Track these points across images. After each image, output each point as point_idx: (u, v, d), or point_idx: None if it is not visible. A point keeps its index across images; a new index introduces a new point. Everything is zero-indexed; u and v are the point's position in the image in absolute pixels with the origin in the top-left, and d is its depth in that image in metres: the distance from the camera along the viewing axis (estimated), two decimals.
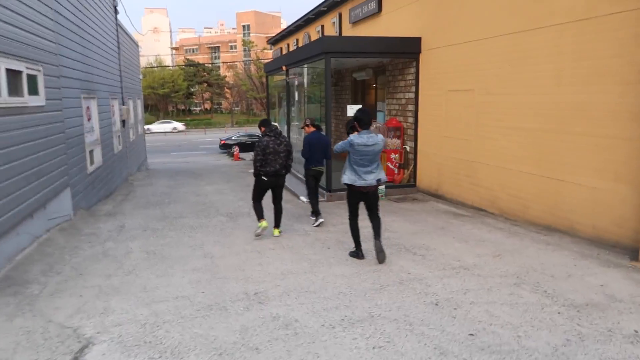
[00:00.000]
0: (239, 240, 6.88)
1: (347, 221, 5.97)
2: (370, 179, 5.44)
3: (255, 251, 6.26)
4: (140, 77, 21.93)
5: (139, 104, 20.40)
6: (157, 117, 64.23)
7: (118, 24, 14.93)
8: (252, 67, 60.81)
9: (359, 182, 5.43)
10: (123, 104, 15.04)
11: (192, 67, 65.36)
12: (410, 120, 10.65)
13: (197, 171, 18.02)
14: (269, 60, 17.53)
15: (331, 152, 7.41)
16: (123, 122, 14.92)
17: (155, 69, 63.61)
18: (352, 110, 10.25)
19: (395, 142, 10.91)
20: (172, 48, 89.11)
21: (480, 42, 8.20)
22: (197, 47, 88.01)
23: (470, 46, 8.49)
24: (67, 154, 8.16)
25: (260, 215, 6.98)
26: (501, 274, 5.16)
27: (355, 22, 13.44)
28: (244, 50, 68.63)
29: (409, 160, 10.82)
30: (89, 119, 10.09)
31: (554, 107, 6.74)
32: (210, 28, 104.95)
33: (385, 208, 8.92)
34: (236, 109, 71.25)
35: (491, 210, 8.19)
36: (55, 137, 7.57)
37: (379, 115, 12.18)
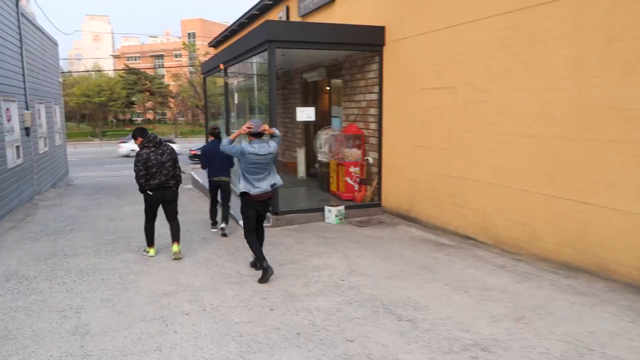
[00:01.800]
0: (139, 297, 4.69)
1: (301, 259, 5.60)
2: (264, 186, 5.28)
3: (159, 319, 4.12)
4: (60, 80, 19.09)
5: (57, 110, 17.60)
6: (93, 128, 59.92)
7: (23, 15, 12.34)
8: (198, 75, 57.85)
9: (253, 191, 5.21)
10: (27, 109, 12.40)
11: (132, 75, 61.54)
12: (373, 126, 8.82)
13: (124, 187, 15.46)
14: (206, 60, 15.26)
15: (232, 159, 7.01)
16: (26, 129, 12.27)
17: (92, 76, 59.44)
18: (302, 113, 8.30)
19: (355, 153, 9.03)
20: (112, 55, 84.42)
21: (465, 27, 6.48)
22: (139, 55, 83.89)
23: (450, 32, 6.76)
24: None
25: (149, 241, 6.36)
26: (544, 358, 3.30)
27: (305, 15, 11.55)
28: (189, 56, 65.58)
29: (371, 175, 8.96)
30: None
31: (575, 106, 5.05)
32: (156, 37, 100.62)
33: (347, 236, 6.99)
34: (181, 119, 67.87)
35: (482, 239, 6.42)
36: None
37: (334, 122, 10.30)
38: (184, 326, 3.93)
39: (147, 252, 6.34)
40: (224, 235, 7.35)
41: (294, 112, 13.10)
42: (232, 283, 5.04)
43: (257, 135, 5.21)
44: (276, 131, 5.43)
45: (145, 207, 6.31)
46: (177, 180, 6.22)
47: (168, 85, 64.33)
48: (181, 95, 58.60)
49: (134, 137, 6.21)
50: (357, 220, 8.11)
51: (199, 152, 28.13)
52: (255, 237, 5.37)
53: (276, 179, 5.41)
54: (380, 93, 8.54)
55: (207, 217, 8.17)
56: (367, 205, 8.70)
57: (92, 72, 60.55)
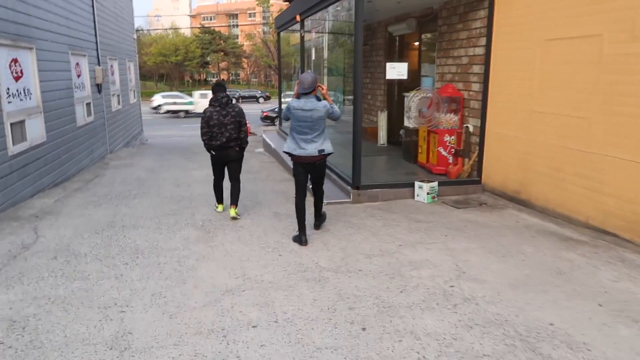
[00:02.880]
0: (197, 293, 3.80)
1: (392, 249, 4.80)
2: (310, 149, 4.97)
3: (219, 331, 3.18)
4: (134, 36, 18.78)
5: (132, 67, 17.34)
6: (170, 88, 61.35)
7: None
8: (271, 33, 56.97)
9: (297, 152, 4.99)
10: (99, 64, 12.00)
11: (207, 35, 61.85)
12: (476, 87, 7.36)
13: (195, 148, 14.99)
14: (280, 13, 14.07)
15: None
16: (98, 86, 11.90)
17: (169, 35, 60.41)
18: (392, 70, 7.02)
19: (450, 119, 7.65)
20: (189, 15, 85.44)
21: None
22: (214, 14, 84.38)
23: None
24: None
25: (217, 198, 6.53)
26: None
27: None
28: (262, 14, 64.69)
29: (470, 146, 7.57)
30: (17, 78, 7.05)
31: None
32: None
33: (443, 219, 5.79)
34: (254, 80, 67.88)
35: (628, 237, 4.96)
36: None
37: (425, 82, 8.87)
38: (249, 347, 2.97)
39: (216, 207, 6.52)
40: None
41: (376, 71, 11.80)
42: (310, 280, 4.04)
43: (306, 93, 4.91)
44: (334, 110, 5.02)
45: (212, 164, 6.41)
46: (241, 142, 6.06)
47: (242, 45, 64.19)
48: (254, 55, 58.28)
49: (212, 92, 6.09)
50: (453, 200, 6.83)
51: (271, 115, 27.61)
52: (303, 204, 5.12)
53: (326, 144, 5.05)
54: (487, 46, 7.02)
55: (280, 187, 7.25)
56: (464, 181, 7.36)
57: (169, 32, 61.50)
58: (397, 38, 10.80)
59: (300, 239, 4.98)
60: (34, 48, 7.69)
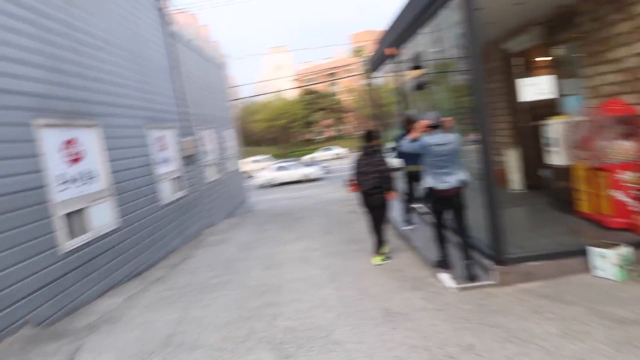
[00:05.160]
0: None
1: None
2: (451, 181, 4.97)
3: None
4: (229, 104, 18.61)
5: (229, 135, 16.94)
6: (277, 150, 62.98)
7: (173, 37, 11.43)
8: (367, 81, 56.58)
9: (440, 185, 5.00)
10: (187, 136, 11.36)
11: (309, 95, 63.41)
12: None
13: (299, 212, 13.75)
14: (371, 56, 12.44)
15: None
16: (188, 158, 11.22)
17: (272, 102, 63.00)
18: (530, 88, 5.08)
19: (626, 148, 5.30)
20: (291, 81, 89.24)
21: None
22: (314, 76, 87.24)
23: None
24: None
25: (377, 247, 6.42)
26: None
27: None
28: (360, 63, 64.99)
29: None
30: (75, 160, 6.22)
31: None
32: (329, 58, 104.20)
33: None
34: (359, 133, 67.66)
35: None
36: None
37: (571, 101, 6.61)
38: None
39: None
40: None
41: (493, 100, 9.67)
42: None
43: (435, 127, 5.11)
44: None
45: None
46: (385, 188, 6.19)
47: (341, 101, 64.93)
48: (356, 107, 58.27)
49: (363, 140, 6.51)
50: None
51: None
52: (444, 233, 5.31)
53: (463, 174, 5.08)
54: None
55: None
56: None
57: (272, 97, 64.08)
58: (515, 55, 8.63)
59: (445, 263, 5.25)
60: (98, 125, 6.93)
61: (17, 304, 4.83)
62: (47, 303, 5.26)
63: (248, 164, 35.26)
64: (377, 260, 6.26)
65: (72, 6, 6.74)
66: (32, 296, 5.05)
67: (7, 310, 4.71)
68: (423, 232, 6.91)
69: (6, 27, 5.29)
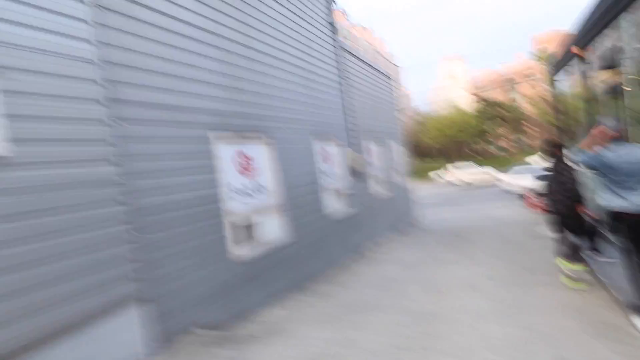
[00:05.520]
0: None
1: None
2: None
3: None
4: (398, 116, 18.34)
5: (397, 148, 16.67)
6: (446, 162, 60.93)
7: (344, 50, 11.65)
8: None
9: (631, 209, 4.24)
10: (355, 150, 11.41)
11: (488, 107, 60.03)
12: None
13: (468, 232, 12.84)
14: (555, 57, 10.69)
15: None
16: (353, 171, 11.23)
17: (448, 113, 61.43)
18: None
19: None
20: (471, 93, 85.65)
21: None
22: (489, 84, 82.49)
23: None
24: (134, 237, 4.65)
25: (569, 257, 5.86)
26: None
27: None
28: (545, 69, 59.29)
29: None
30: (247, 172, 6.58)
31: None
32: (506, 63, 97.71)
33: None
34: (541, 145, 61.72)
35: None
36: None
37: None
38: None
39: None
40: None
41: None
42: None
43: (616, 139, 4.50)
44: None
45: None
46: (570, 197, 5.73)
47: (519, 108, 60.12)
48: (540, 118, 53.26)
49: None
50: None
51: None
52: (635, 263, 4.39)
53: None
54: None
55: None
56: None
57: (444, 106, 62.35)
58: None
59: None
60: (270, 140, 7.26)
61: (193, 306, 5.22)
62: (217, 308, 5.60)
63: (452, 173, 36.23)
64: (573, 269, 5.76)
65: (252, 28, 7.21)
66: (204, 300, 5.43)
67: (185, 312, 5.11)
68: (612, 265, 5.74)
69: (196, 53, 5.83)
